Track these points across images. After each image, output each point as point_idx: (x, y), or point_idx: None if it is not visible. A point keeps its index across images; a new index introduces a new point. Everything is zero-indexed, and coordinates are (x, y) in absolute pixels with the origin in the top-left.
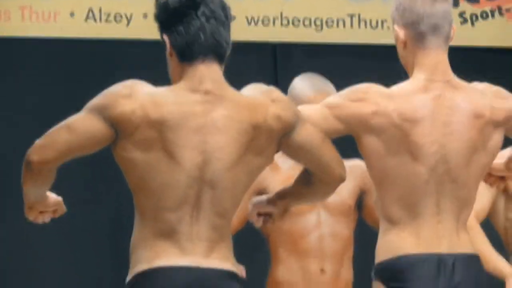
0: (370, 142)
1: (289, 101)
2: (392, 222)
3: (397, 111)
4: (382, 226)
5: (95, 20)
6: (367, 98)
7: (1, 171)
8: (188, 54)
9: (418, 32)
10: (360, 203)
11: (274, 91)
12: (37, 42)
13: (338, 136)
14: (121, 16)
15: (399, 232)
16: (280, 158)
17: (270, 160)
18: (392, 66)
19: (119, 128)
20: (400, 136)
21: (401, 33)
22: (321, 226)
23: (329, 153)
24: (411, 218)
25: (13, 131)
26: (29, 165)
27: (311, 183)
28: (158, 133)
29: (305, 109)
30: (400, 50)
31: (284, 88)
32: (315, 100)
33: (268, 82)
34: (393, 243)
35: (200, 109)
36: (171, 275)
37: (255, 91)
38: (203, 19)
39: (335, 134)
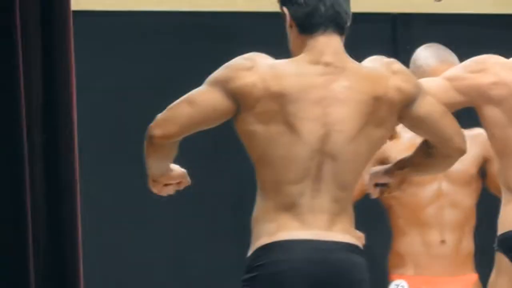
0: (491, 113)
1: (410, 73)
2: None
3: None
4: (505, 197)
5: None
6: (487, 68)
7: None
8: (308, 26)
9: None
10: (483, 171)
11: (395, 63)
12: (155, 16)
13: (459, 109)
14: None
15: None
16: (402, 128)
17: (390, 132)
18: (510, 35)
19: (240, 101)
20: None
21: None
22: (442, 196)
23: (450, 125)
24: None
25: (137, 103)
26: (152, 139)
27: (431, 155)
28: (279, 105)
29: (425, 82)
30: None
31: (404, 59)
32: (438, 70)
33: (387, 53)
34: None
35: (321, 81)
36: (293, 248)
37: (375, 63)
38: None
39: (456, 107)
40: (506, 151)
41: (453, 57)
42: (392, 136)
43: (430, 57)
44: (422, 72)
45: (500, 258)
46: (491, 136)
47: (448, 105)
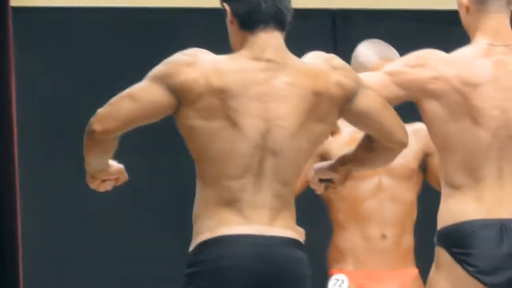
0: (431, 108)
1: (350, 68)
2: (454, 187)
3: (457, 76)
4: (444, 192)
5: None
6: (426, 63)
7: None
8: (249, 22)
9: None
10: (424, 166)
11: (335, 59)
12: (97, 11)
13: (399, 103)
14: None
15: (461, 197)
16: (342, 122)
17: (332, 127)
18: (452, 31)
19: (181, 96)
20: (461, 100)
21: None
22: (381, 190)
23: (391, 119)
24: (473, 183)
25: (78, 98)
26: (92, 134)
27: (373, 149)
28: (221, 101)
29: (365, 77)
30: (462, 14)
31: (344, 55)
32: (379, 67)
33: (327, 48)
34: (456, 209)
35: (262, 76)
36: (235, 242)
37: (316, 58)
38: None
39: (396, 101)
40: (446, 145)
41: (393, 53)
42: (334, 131)
43: (371, 54)
44: (363, 69)
45: (440, 253)
46: (431, 131)
47: (389, 100)
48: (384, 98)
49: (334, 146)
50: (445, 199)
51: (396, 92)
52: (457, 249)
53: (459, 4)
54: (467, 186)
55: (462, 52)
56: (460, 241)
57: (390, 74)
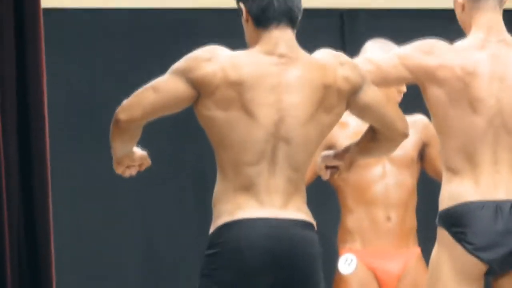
0: (434, 93)
1: (356, 64)
2: (454, 172)
3: (459, 64)
4: (445, 176)
5: None
6: (434, 51)
7: (83, 130)
8: (263, 20)
9: None
10: (422, 155)
11: (342, 55)
12: (121, 13)
13: (403, 84)
14: None
15: (460, 181)
16: (349, 116)
17: (338, 118)
18: (451, 28)
19: (200, 88)
20: (462, 88)
21: None
22: (386, 176)
23: (393, 111)
24: (471, 168)
25: (104, 92)
26: (117, 123)
27: (377, 139)
28: (237, 92)
29: (376, 57)
30: (458, 13)
31: (351, 52)
32: None
33: (336, 46)
34: (455, 192)
35: (275, 69)
36: (252, 225)
37: (325, 54)
38: None
39: (402, 81)
40: (446, 130)
41: None
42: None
43: (376, 51)
44: None
45: (441, 233)
46: (433, 115)
47: (395, 79)
48: (391, 77)
49: (340, 137)
50: (445, 183)
51: (403, 73)
52: (456, 228)
53: (455, 2)
54: (465, 170)
55: (462, 44)
56: (458, 221)
57: (400, 57)
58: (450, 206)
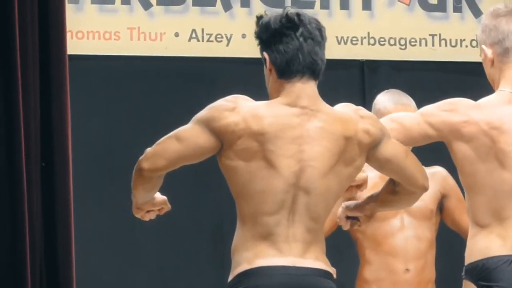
0: (461, 149)
1: (376, 118)
2: (481, 226)
3: (485, 120)
4: (472, 230)
5: (197, 40)
6: (458, 109)
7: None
8: (287, 72)
9: (504, 48)
10: (441, 207)
11: (362, 109)
12: (144, 60)
13: (428, 142)
14: (221, 36)
15: (487, 235)
16: (367, 167)
17: (358, 171)
18: (469, 80)
19: (223, 138)
20: (489, 143)
21: (489, 52)
22: (405, 229)
23: (413, 165)
24: (498, 222)
25: (125, 140)
26: (140, 172)
27: (397, 192)
28: (259, 143)
29: (401, 115)
30: (487, 68)
31: (371, 102)
32: (394, 112)
33: (356, 96)
34: (482, 246)
35: (297, 121)
36: (270, 273)
37: (345, 108)
38: (301, 39)
39: (427, 140)
40: (474, 186)
41: (408, 99)
42: (361, 185)
43: (387, 101)
44: (380, 115)
45: (468, 286)
46: (461, 172)
47: (419, 137)
48: (415, 135)
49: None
50: (472, 237)
51: (428, 131)
52: (484, 282)
53: (484, 58)
54: (492, 224)
55: (488, 99)
56: (486, 275)
57: (424, 114)
58: (478, 259)
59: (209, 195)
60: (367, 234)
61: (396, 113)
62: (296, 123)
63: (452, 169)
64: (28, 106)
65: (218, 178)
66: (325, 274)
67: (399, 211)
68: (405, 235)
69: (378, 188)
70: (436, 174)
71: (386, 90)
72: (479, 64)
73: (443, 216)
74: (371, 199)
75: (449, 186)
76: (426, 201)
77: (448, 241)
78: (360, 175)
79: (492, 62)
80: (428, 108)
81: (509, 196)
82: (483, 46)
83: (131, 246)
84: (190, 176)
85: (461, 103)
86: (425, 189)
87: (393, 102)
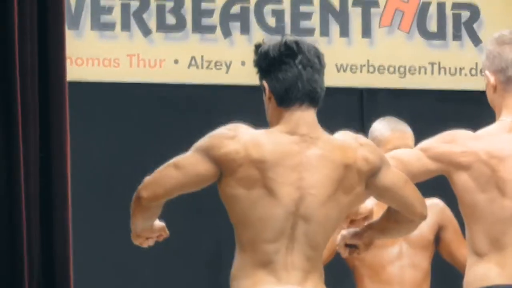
0: (461, 179)
1: (375, 145)
2: (480, 255)
3: (484, 149)
4: (471, 259)
5: (197, 67)
6: (456, 139)
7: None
8: (286, 100)
9: (507, 77)
10: (437, 238)
11: (361, 137)
12: (143, 87)
13: (430, 177)
14: (220, 64)
15: (486, 263)
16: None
17: (358, 199)
18: (469, 109)
19: (223, 166)
20: (489, 172)
21: (492, 78)
22: (402, 257)
23: (412, 193)
24: (497, 250)
25: (124, 166)
26: (139, 201)
27: (395, 220)
28: (259, 171)
29: (400, 151)
30: (489, 93)
31: (369, 129)
32: (391, 138)
33: (355, 123)
34: (481, 274)
35: (297, 148)
36: None
37: (344, 136)
38: (300, 67)
39: (428, 175)
40: (474, 215)
41: (404, 126)
42: (367, 217)
43: (383, 128)
44: (377, 142)
45: None
46: (461, 202)
47: (420, 172)
48: (415, 170)
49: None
50: (471, 266)
51: (428, 165)
52: None
53: (487, 84)
54: (491, 253)
55: (488, 129)
56: None
57: (423, 149)
58: None
59: (207, 221)
60: (365, 262)
61: (395, 150)
62: (296, 151)
63: (450, 202)
64: (27, 135)
65: (216, 204)
66: None
67: (397, 239)
68: (402, 263)
69: (375, 216)
70: (434, 206)
71: (382, 118)
72: (478, 93)
73: (439, 247)
74: (370, 227)
75: (447, 218)
76: (424, 230)
77: (444, 272)
78: (365, 207)
79: (495, 88)
80: (427, 142)
81: (509, 223)
82: (487, 72)
83: (129, 272)
84: (187, 202)
85: (459, 134)
86: (423, 217)
87: (390, 129)
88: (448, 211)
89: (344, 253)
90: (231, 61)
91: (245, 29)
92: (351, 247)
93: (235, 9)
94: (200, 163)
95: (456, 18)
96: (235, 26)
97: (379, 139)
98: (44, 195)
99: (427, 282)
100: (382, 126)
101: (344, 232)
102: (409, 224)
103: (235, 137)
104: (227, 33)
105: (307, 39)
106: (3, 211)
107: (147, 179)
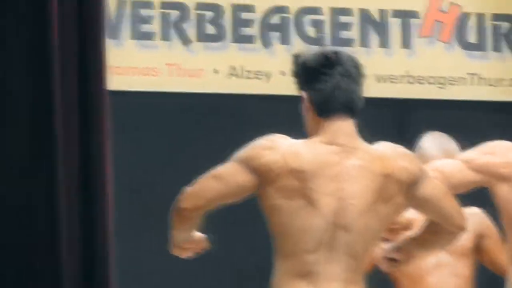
0: (502, 190)
1: (414, 156)
2: None
3: None
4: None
5: (236, 77)
6: (496, 151)
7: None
8: (325, 110)
9: None
10: (478, 247)
11: (401, 147)
12: (182, 96)
13: (472, 188)
14: (261, 73)
15: None
16: None
17: (398, 210)
18: (509, 120)
19: (262, 177)
20: None
21: None
22: (441, 266)
23: (451, 205)
24: None
25: (163, 177)
26: (180, 211)
27: (435, 232)
28: (298, 181)
29: (442, 163)
30: None
31: (407, 141)
32: (438, 157)
33: (394, 134)
34: None
35: (336, 159)
36: None
37: (383, 146)
38: (338, 77)
39: (469, 186)
40: None
41: (452, 144)
42: (407, 227)
43: (432, 146)
44: (425, 159)
45: None
46: (503, 213)
47: (461, 184)
48: (457, 182)
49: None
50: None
51: (470, 176)
52: None
53: None
54: None
55: None
56: None
57: (464, 161)
58: None
59: (242, 230)
60: (404, 272)
61: (438, 161)
62: (335, 161)
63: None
64: (67, 141)
65: (251, 214)
66: None
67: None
68: (442, 273)
69: (415, 227)
70: (474, 216)
71: (432, 133)
72: None
73: (480, 256)
74: (410, 239)
75: (487, 227)
76: (463, 239)
77: (488, 279)
78: (404, 217)
79: None
80: (468, 154)
81: None
82: None
83: (164, 281)
84: (221, 212)
85: (500, 145)
86: (462, 229)
87: (438, 148)
88: (487, 220)
89: (385, 267)
90: (271, 71)
91: (285, 40)
92: (391, 260)
93: (275, 19)
94: (240, 174)
95: (496, 29)
96: (275, 36)
97: (426, 156)
98: (84, 209)
99: None
100: (431, 144)
101: (384, 246)
102: (449, 235)
103: (274, 147)
104: (267, 43)
105: (346, 50)
106: (42, 224)
107: (188, 190)
